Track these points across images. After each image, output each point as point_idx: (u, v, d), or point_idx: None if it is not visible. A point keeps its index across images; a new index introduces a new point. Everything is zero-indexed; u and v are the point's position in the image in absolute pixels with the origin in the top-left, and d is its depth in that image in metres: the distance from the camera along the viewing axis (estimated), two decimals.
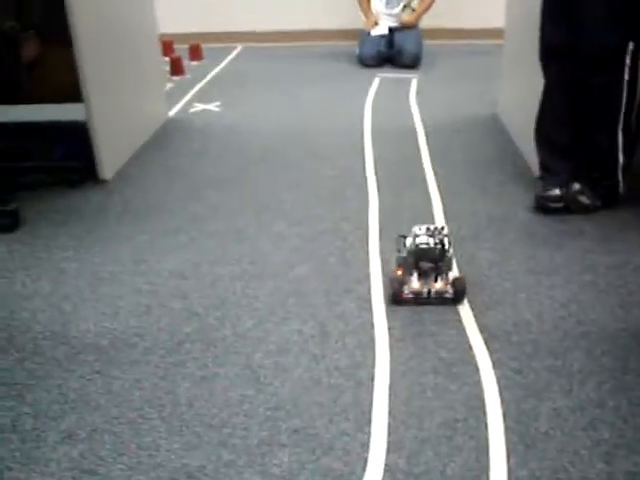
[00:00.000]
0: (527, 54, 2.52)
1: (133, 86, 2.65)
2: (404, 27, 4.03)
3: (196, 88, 3.65)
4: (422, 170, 2.39)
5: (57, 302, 1.63)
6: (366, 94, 3.43)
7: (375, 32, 3.99)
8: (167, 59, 4.04)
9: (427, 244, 1.55)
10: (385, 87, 3.57)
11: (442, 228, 1.60)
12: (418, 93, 3.44)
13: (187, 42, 4.46)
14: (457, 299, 1.57)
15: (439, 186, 2.24)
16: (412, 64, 3.91)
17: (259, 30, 4.82)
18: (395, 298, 1.57)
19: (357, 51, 4.11)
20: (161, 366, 1.40)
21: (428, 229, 1.58)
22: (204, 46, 4.49)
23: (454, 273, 1.64)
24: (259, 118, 3.06)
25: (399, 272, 1.59)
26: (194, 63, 4.29)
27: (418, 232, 1.57)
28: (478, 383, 1.33)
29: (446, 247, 1.56)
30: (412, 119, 3.00)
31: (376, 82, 3.68)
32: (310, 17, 4.77)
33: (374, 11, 4.09)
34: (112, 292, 1.67)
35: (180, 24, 4.70)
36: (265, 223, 2.02)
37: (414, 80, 3.69)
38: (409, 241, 1.58)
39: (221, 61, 4.34)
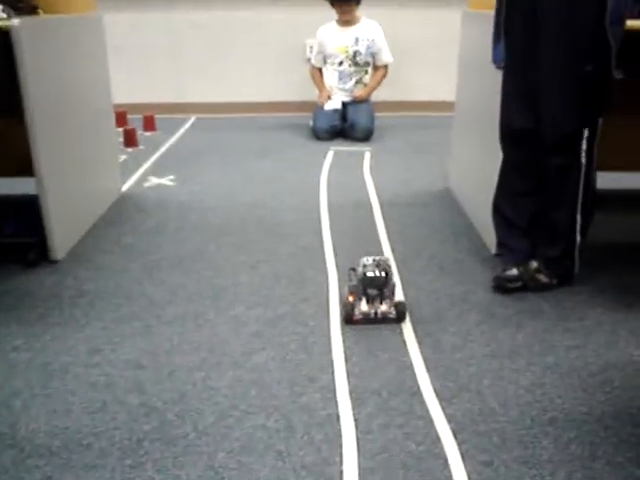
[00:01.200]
0: (475, 129, 2.62)
1: (87, 160, 2.61)
2: (357, 101, 4.12)
3: (150, 161, 3.63)
4: (380, 248, 2.41)
5: (5, 399, 1.54)
6: (321, 167, 3.47)
7: (328, 106, 4.08)
8: (120, 130, 4.03)
9: (373, 273, 1.83)
10: (339, 160, 3.63)
11: (387, 259, 1.90)
12: (372, 166, 3.50)
13: (141, 112, 4.47)
14: (399, 319, 1.86)
15: (398, 265, 2.24)
16: (365, 137, 4.00)
17: (212, 101, 4.87)
18: (347, 319, 1.85)
19: (311, 123, 4.19)
20: (118, 469, 1.32)
21: (374, 260, 1.87)
22: (158, 117, 4.51)
23: (397, 297, 1.92)
24: (215, 193, 3.05)
25: (351, 298, 1.87)
26: (148, 134, 4.29)
27: (366, 263, 1.86)
28: (449, 478, 1.30)
29: (390, 275, 1.85)
30: (367, 193, 3.04)
31: (330, 155, 3.73)
32: (265, 89, 4.86)
33: (327, 85, 4.19)
34: (65, 386, 1.59)
35: (134, 94, 4.72)
36: (223, 307, 1.98)
37: (367, 153, 3.76)
38: (359, 271, 1.86)
39: (175, 132, 4.35)
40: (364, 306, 1.84)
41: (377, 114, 4.25)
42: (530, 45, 1.90)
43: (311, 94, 4.55)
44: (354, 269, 1.89)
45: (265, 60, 4.77)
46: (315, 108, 4.19)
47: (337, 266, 2.24)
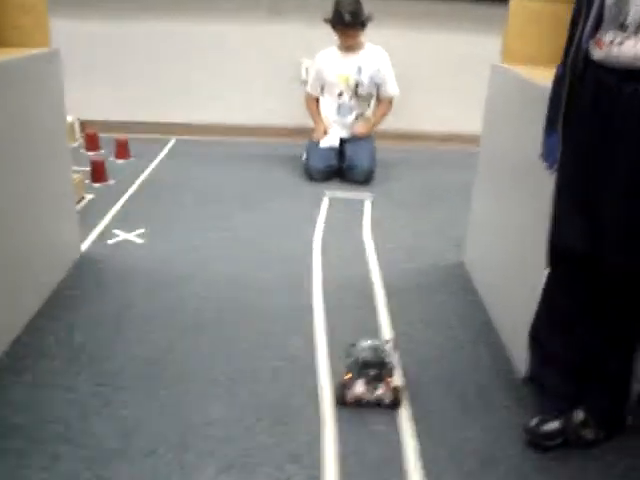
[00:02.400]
0: (504, 198, 2.17)
1: (35, 216, 2.16)
2: (356, 138, 3.68)
3: (119, 204, 3.17)
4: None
5: None
6: (314, 225, 3.03)
7: (325, 144, 3.63)
8: (90, 155, 3.59)
9: (370, 359, 1.78)
10: (335, 213, 3.19)
11: (386, 342, 1.86)
12: (373, 224, 3.07)
13: (116, 131, 4.01)
14: (394, 405, 1.77)
15: (414, 413, 1.80)
16: (364, 180, 3.57)
17: (195, 122, 4.40)
18: (340, 401, 1.77)
19: (304, 157, 3.75)
20: None
21: (372, 345, 1.80)
22: (135, 137, 4.05)
23: (396, 380, 1.81)
24: (189, 259, 2.61)
25: (348, 376, 1.79)
26: (120, 162, 3.82)
27: (363, 346, 1.80)
28: None
29: (387, 360, 1.79)
30: (367, 270, 2.60)
31: (325, 205, 3.29)
32: (254, 111, 4.40)
33: (324, 118, 3.74)
34: None
35: (109, 111, 4.25)
36: (188, 466, 1.55)
37: (367, 203, 3.33)
38: (356, 352, 1.80)
39: (151, 160, 3.89)
40: (360, 388, 1.76)
41: (379, 144, 3.82)
42: (595, 157, 1.47)
43: (305, 119, 4.11)
44: (353, 344, 1.83)
45: (256, 79, 4.31)
46: (309, 143, 3.74)
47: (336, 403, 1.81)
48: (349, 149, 3.63)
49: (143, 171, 3.67)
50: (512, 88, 2.20)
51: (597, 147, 1.46)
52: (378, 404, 1.76)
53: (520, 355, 1.95)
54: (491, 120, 2.47)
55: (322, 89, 3.72)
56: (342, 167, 3.64)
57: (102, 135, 4.05)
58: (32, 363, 1.90)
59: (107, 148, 3.93)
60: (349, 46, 3.58)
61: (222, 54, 4.24)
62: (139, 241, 2.76)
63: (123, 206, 3.14)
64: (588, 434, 1.65)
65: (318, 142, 3.65)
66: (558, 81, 1.55)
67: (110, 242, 2.74)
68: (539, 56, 2.23)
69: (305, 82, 4.18)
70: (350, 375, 1.78)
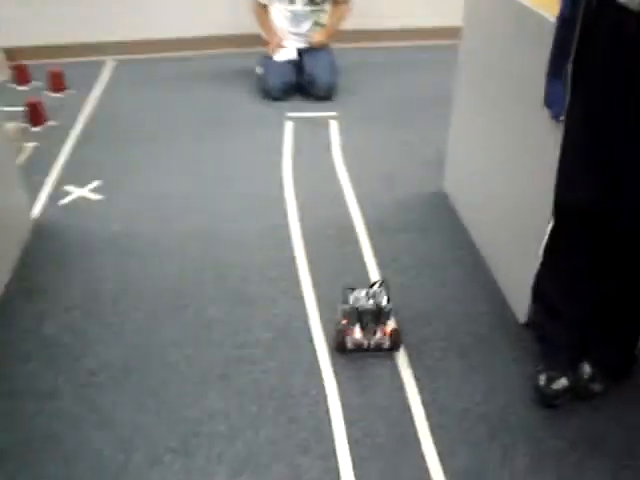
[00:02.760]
0: (495, 111, 1.95)
1: None
2: (314, 48, 3.38)
3: (65, 152, 2.88)
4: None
5: None
6: (280, 153, 2.84)
7: (280, 57, 3.33)
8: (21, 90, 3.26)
9: (366, 307, 1.76)
10: (301, 137, 2.98)
11: (380, 284, 1.85)
12: (343, 148, 2.89)
13: (45, 57, 3.63)
14: (393, 348, 1.76)
15: (414, 372, 1.74)
16: (326, 95, 3.33)
17: (134, 39, 3.98)
18: (340, 348, 1.76)
19: (259, 71, 3.45)
20: None
21: (367, 293, 1.80)
22: (68, 62, 3.67)
23: (391, 324, 1.77)
24: (155, 215, 2.41)
25: (344, 322, 1.77)
26: (56, 95, 3.45)
27: (358, 296, 1.79)
28: None
29: (383, 305, 1.77)
30: (346, 208, 2.46)
31: (289, 129, 3.07)
32: (198, 21, 3.99)
33: (278, 29, 3.41)
34: None
35: (33, 35, 3.80)
36: (198, 475, 1.47)
37: (333, 124, 3.11)
38: (352, 299, 1.78)
39: (91, 89, 3.53)
40: (358, 334, 1.75)
41: (338, 49, 3.54)
42: (612, 108, 1.33)
43: (254, 27, 3.76)
44: (351, 289, 1.82)
45: None
46: (263, 58, 3.42)
47: (335, 374, 1.73)
48: (307, 62, 3.34)
49: (84, 105, 3.33)
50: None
51: (616, 98, 1.31)
52: (378, 349, 1.75)
53: (517, 299, 1.89)
54: (474, 15, 2.19)
55: None
56: (301, 82, 3.37)
57: (30, 63, 3.64)
58: (3, 368, 1.75)
59: (39, 80, 3.54)
60: None
61: None
62: (95, 197, 2.53)
63: (71, 155, 2.86)
64: (596, 387, 1.63)
65: (273, 56, 3.34)
66: (564, 24, 1.36)
67: (63, 202, 2.50)
68: None
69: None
70: (347, 321, 1.76)
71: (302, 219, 2.38)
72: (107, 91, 3.53)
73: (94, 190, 2.57)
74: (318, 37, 3.36)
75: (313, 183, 2.63)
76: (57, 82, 3.47)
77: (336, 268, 2.12)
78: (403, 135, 3.00)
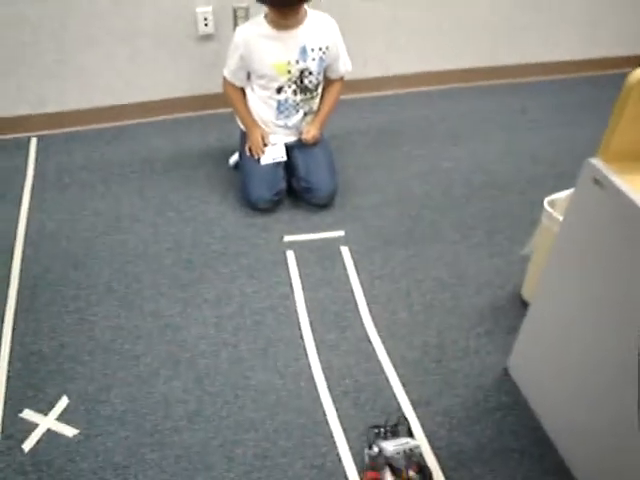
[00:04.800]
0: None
1: None
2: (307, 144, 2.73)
3: (5, 339, 2.15)
4: None
5: None
6: (293, 310, 2.24)
7: (266, 160, 2.65)
8: None
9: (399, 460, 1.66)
10: (309, 276, 2.39)
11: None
12: (365, 290, 2.33)
13: None
14: None
15: None
16: (327, 203, 2.72)
17: (58, 110, 3.14)
18: None
19: (232, 161, 2.83)
20: None
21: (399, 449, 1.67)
22: None
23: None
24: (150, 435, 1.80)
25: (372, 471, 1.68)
26: None
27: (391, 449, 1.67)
28: None
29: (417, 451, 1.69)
30: (384, 379, 1.94)
31: (291, 261, 2.46)
32: (136, 83, 3.19)
33: (259, 120, 2.71)
34: None
35: None
36: None
37: (345, 252, 2.53)
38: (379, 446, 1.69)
39: (16, 197, 2.73)
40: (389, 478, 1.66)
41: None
42: None
43: (207, 83, 3.07)
44: (377, 432, 1.77)
45: (136, 40, 3.05)
46: (243, 158, 2.73)
47: None
48: (300, 162, 2.69)
49: (14, 240, 2.54)
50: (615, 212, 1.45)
51: None
52: None
53: None
54: (581, 205, 1.70)
55: (248, 77, 2.65)
56: (293, 185, 2.73)
57: None
58: None
59: None
60: (288, 23, 2.48)
61: (85, 13, 2.90)
62: (69, 431, 1.86)
63: (13, 345, 2.12)
64: None
65: (256, 157, 2.66)
66: None
67: (25, 444, 1.82)
68: None
69: (206, 37, 3.05)
70: (375, 468, 1.69)
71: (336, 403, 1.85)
72: (37, 201, 2.72)
73: (62, 416, 1.89)
74: (313, 132, 2.68)
75: (337, 347, 2.08)
76: None
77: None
78: (439, 265, 2.46)
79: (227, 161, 2.92)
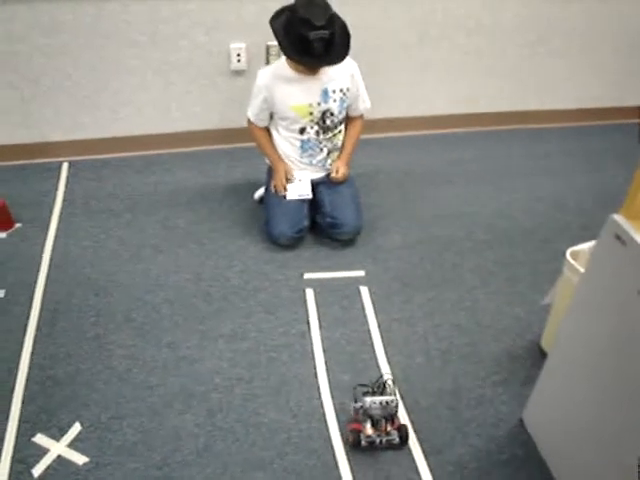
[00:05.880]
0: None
1: None
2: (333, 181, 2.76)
3: (23, 363, 2.17)
4: None
5: None
6: (310, 356, 2.23)
7: (292, 195, 2.68)
8: None
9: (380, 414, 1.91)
10: (328, 315, 2.39)
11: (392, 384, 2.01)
12: (383, 333, 2.32)
13: None
14: (403, 443, 1.89)
15: None
16: (352, 239, 2.73)
17: (89, 137, 3.22)
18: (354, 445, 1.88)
19: (258, 195, 2.86)
20: None
21: (381, 404, 1.91)
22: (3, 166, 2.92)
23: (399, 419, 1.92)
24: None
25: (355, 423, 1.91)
26: (3, 235, 2.70)
27: (373, 402, 1.91)
28: None
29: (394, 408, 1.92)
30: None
31: (310, 299, 2.46)
32: (170, 115, 3.27)
33: (284, 156, 2.75)
34: None
35: None
36: None
37: (365, 292, 2.53)
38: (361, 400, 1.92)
39: (46, 222, 2.79)
40: (369, 430, 1.88)
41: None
42: None
43: (236, 117, 3.12)
44: (364, 391, 1.97)
45: (170, 72, 3.13)
46: (267, 194, 2.77)
47: None
48: (326, 198, 2.71)
49: (42, 254, 2.60)
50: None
51: None
52: (389, 446, 1.89)
53: None
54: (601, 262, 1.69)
55: (271, 117, 2.69)
56: (317, 220, 2.75)
57: None
58: None
59: None
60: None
61: (116, 37, 2.98)
62: (79, 459, 1.87)
63: (31, 371, 2.15)
64: None
65: (280, 193, 2.69)
66: None
67: (34, 469, 1.83)
68: None
69: (238, 72, 3.12)
70: (358, 420, 1.92)
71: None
72: (64, 228, 2.78)
73: (74, 444, 1.90)
74: (342, 169, 2.70)
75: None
76: (2, 218, 2.70)
77: None
78: (458, 310, 2.45)
79: (252, 195, 2.95)
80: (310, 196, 2.65)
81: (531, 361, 2.24)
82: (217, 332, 2.30)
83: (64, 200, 2.93)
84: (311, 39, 2.26)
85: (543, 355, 2.22)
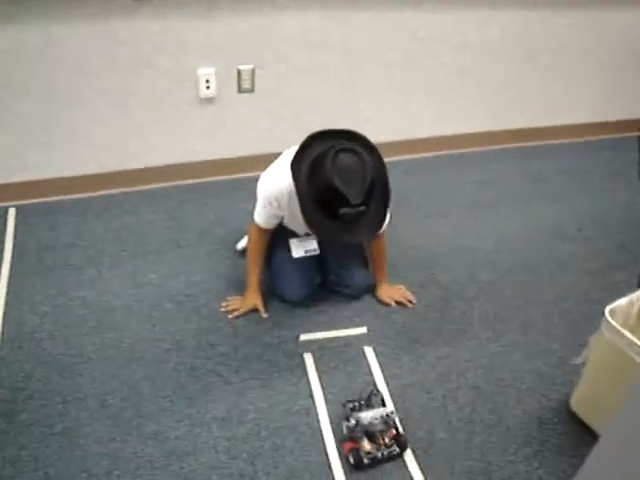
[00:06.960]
0: None
1: None
2: None
3: None
4: None
5: None
6: (319, 438, 1.92)
7: (299, 253, 2.32)
8: None
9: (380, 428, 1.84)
10: (332, 390, 2.10)
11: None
12: (396, 401, 2.05)
13: None
14: (402, 451, 1.84)
15: None
16: (359, 296, 2.45)
17: (48, 177, 2.84)
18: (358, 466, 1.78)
19: (240, 247, 2.53)
20: None
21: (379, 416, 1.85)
22: None
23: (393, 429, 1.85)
24: None
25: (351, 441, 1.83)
26: None
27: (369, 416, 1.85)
28: None
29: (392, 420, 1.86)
30: None
31: (310, 366, 2.18)
32: (137, 150, 2.91)
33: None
34: None
35: None
36: None
37: (370, 353, 2.25)
38: (356, 418, 1.83)
39: None
40: (368, 446, 1.81)
41: None
42: None
43: (206, 148, 2.79)
44: (352, 408, 1.90)
45: (127, 103, 2.77)
46: (273, 257, 2.41)
47: None
48: (331, 255, 2.41)
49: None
50: None
51: None
52: (390, 458, 1.82)
53: None
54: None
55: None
56: (328, 279, 2.45)
57: None
58: None
59: None
60: None
61: (81, 72, 2.60)
62: None
63: None
64: None
65: (230, 315, 2.33)
66: None
67: None
68: None
69: (207, 100, 2.79)
70: (353, 438, 1.83)
71: None
72: (15, 288, 2.40)
73: None
74: (390, 292, 2.46)
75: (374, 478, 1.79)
76: None
77: None
78: (474, 368, 2.20)
79: (232, 241, 2.63)
80: (318, 252, 2.33)
81: (562, 427, 2.03)
82: (209, 415, 1.98)
83: (13, 256, 2.54)
84: (341, 214, 1.93)
85: (573, 417, 2.02)
